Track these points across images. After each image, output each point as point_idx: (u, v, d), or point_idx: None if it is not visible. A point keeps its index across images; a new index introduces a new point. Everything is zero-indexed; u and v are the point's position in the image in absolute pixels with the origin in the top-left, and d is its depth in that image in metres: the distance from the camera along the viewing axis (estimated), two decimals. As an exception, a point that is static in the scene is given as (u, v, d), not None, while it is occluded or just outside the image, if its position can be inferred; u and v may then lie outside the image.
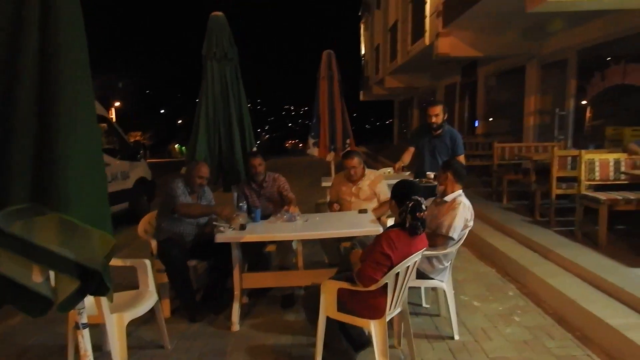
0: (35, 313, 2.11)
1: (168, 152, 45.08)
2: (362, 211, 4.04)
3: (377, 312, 2.60)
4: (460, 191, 3.32)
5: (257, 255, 4.23)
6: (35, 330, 3.58)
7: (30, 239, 1.90)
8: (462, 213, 3.14)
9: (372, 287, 2.49)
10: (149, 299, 3.10)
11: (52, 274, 2.09)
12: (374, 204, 4.29)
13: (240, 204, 3.91)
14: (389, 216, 4.41)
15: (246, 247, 3.75)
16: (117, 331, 2.75)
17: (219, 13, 4.89)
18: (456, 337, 3.25)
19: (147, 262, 3.27)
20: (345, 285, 2.62)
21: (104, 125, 7.93)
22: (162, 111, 62.08)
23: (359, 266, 2.56)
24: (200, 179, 3.92)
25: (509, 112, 10.35)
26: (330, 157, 6.97)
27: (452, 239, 3.12)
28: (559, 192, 5.18)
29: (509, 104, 10.35)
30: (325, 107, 6.83)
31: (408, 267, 2.57)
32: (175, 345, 3.36)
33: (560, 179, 5.16)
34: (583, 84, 6.70)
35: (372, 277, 2.45)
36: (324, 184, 6.30)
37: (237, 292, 3.67)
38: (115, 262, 3.27)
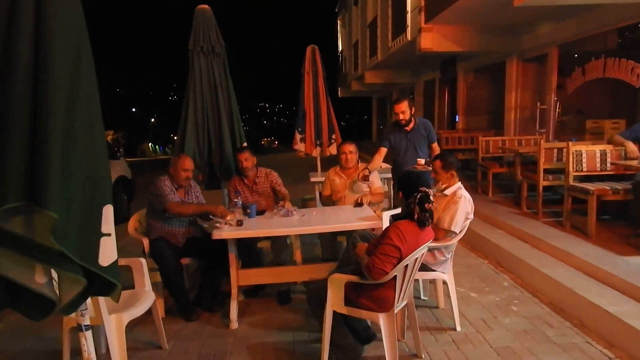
0: (37, 316, 2.01)
1: (141, 152, 44.16)
2: (358, 204, 4.01)
3: (385, 304, 2.58)
4: (460, 184, 3.33)
5: (249, 252, 4.15)
6: (23, 336, 3.42)
7: (31, 237, 1.80)
8: (463, 207, 3.15)
9: (382, 280, 2.46)
10: (146, 299, 3.00)
11: (55, 275, 1.99)
12: (367, 196, 4.28)
13: (236, 200, 3.83)
14: (383, 209, 4.42)
15: (240, 243, 3.67)
16: (116, 333, 2.65)
17: (206, 6, 4.77)
18: (458, 328, 3.26)
19: (143, 261, 3.17)
20: (353, 278, 2.58)
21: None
22: (133, 110, 60.91)
23: (367, 259, 2.52)
24: (186, 172, 3.83)
25: (489, 107, 10.54)
26: (316, 152, 6.92)
27: (454, 232, 3.13)
28: (546, 183, 5.27)
29: (489, 99, 10.53)
30: (310, 103, 6.76)
31: (416, 259, 2.55)
32: (172, 345, 3.26)
33: (547, 171, 5.26)
34: (564, 78, 6.84)
35: (382, 270, 2.42)
36: (313, 179, 6.27)
37: (234, 290, 3.59)
38: (108, 261, 3.17)
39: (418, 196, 2.49)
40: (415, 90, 14.64)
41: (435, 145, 4.56)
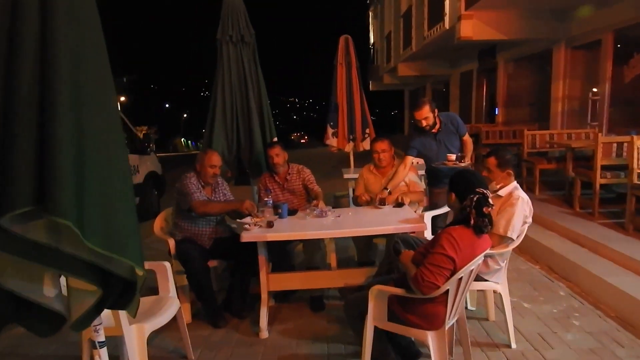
0: (45, 332, 1.80)
1: (173, 147, 44.86)
2: (398, 205, 3.69)
3: (435, 321, 2.26)
4: (516, 184, 2.96)
5: (280, 254, 3.90)
6: (43, 340, 3.27)
7: (40, 240, 1.57)
8: (520, 210, 2.78)
9: (432, 294, 2.14)
10: (170, 306, 2.77)
11: (64, 288, 1.77)
12: (407, 195, 3.94)
13: (267, 199, 3.57)
14: (425, 208, 4.09)
15: (270, 245, 3.42)
16: (137, 345, 2.43)
17: (235, -6, 4.52)
18: (513, 345, 2.91)
19: (168, 265, 2.95)
20: (398, 291, 2.27)
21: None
22: (167, 105, 62.01)
23: (414, 270, 2.21)
24: (213, 169, 3.60)
25: (530, 99, 9.96)
26: (349, 147, 6.60)
27: (510, 239, 2.76)
28: (603, 181, 4.80)
29: (531, 91, 9.95)
30: (343, 95, 6.44)
31: (471, 270, 2.23)
32: (199, 354, 3.04)
33: (604, 168, 4.79)
34: (619, 67, 6.29)
35: (433, 284, 2.11)
36: (346, 176, 5.98)
37: (264, 296, 3.34)
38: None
39: (475, 198, 2.16)
40: (450, 82, 14.10)
41: (466, 137, 4.14)
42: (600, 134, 4.75)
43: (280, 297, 3.80)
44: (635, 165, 4.18)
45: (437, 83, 16.21)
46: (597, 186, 4.79)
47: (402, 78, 15.46)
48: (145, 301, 2.82)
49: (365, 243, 3.86)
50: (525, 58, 9.41)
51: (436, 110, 3.94)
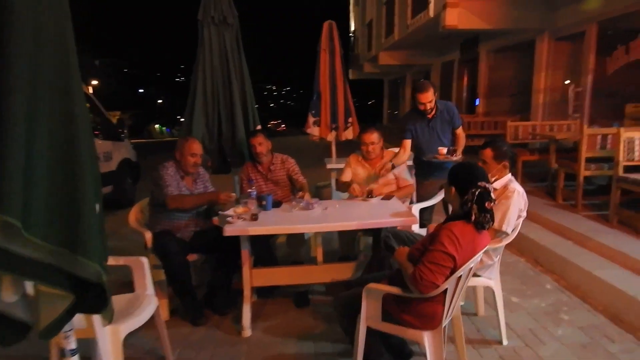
0: (7, 340, 1.61)
1: (148, 133, 43.86)
2: (386, 197, 3.57)
3: (432, 321, 2.15)
4: (511, 176, 2.87)
5: (263, 248, 3.74)
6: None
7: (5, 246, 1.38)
8: (516, 203, 2.69)
9: (432, 294, 2.03)
10: (148, 305, 2.59)
11: (29, 289, 1.58)
12: (392, 189, 3.83)
13: (250, 190, 3.39)
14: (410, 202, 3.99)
15: (253, 239, 3.25)
16: (111, 349, 2.25)
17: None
18: (505, 342, 2.84)
19: (144, 260, 2.75)
20: (394, 290, 2.15)
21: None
22: (140, 91, 60.54)
23: (411, 268, 2.09)
24: (194, 157, 3.41)
25: (511, 90, 9.97)
26: (331, 136, 6.43)
27: (504, 233, 2.68)
28: (588, 173, 4.79)
29: (512, 82, 9.96)
30: (326, 83, 6.24)
31: (470, 268, 2.12)
32: (178, 354, 2.88)
33: (588, 160, 4.78)
34: (602, 59, 6.29)
35: (433, 283, 1.99)
36: (329, 166, 5.83)
37: (247, 292, 3.19)
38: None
39: (476, 192, 2.04)
40: (431, 72, 14.05)
41: (459, 131, 4.03)
42: (585, 126, 4.72)
43: (263, 293, 3.65)
44: (621, 158, 4.16)
45: (417, 73, 16.14)
46: (581, 178, 4.78)
47: (383, 67, 15.34)
48: (120, 300, 2.63)
49: (350, 237, 3.73)
50: (508, 49, 9.39)
51: (437, 95, 3.85)
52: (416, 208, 3.71)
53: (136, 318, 2.44)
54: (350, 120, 6.36)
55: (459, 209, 2.14)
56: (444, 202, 3.83)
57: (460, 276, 2.06)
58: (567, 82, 7.48)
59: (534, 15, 7.31)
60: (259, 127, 4.47)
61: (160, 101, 59.86)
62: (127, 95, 52.07)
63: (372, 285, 2.21)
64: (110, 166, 6.97)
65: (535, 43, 7.90)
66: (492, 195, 2.08)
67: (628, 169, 4.25)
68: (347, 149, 8.26)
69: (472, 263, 2.08)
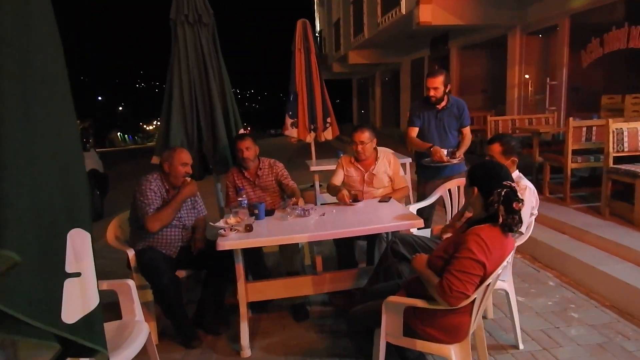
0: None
1: (110, 141, 42.55)
2: (384, 199, 3.40)
3: (458, 333, 2.00)
4: (518, 172, 2.75)
5: (255, 259, 3.51)
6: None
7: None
8: (527, 200, 2.57)
9: (462, 304, 1.87)
10: (139, 334, 2.32)
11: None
12: (388, 191, 3.65)
13: (241, 199, 3.16)
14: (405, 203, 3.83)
15: (245, 251, 3.01)
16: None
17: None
18: (521, 346, 2.71)
19: (132, 283, 2.49)
20: (418, 303, 1.98)
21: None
22: (99, 98, 58.69)
23: (435, 279, 1.92)
24: (185, 167, 3.13)
25: (483, 86, 10.06)
26: (310, 138, 6.23)
27: (519, 232, 2.55)
28: (575, 166, 4.78)
29: (483, 78, 10.04)
30: (303, 83, 6.03)
31: (499, 274, 1.97)
32: (173, 384, 2.62)
33: (575, 152, 4.77)
34: (575, 52, 6.35)
35: (463, 293, 1.83)
36: (313, 168, 5.63)
37: (243, 309, 2.95)
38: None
39: (503, 192, 1.89)
40: (401, 70, 14.07)
41: (466, 130, 3.92)
42: (571, 119, 4.70)
43: (257, 308, 3.41)
44: (611, 149, 4.14)
45: (387, 72, 16.16)
46: (569, 171, 4.76)
47: (353, 66, 15.28)
48: (108, 327, 2.34)
49: (348, 242, 3.54)
50: (478, 45, 9.45)
51: (449, 87, 3.73)
52: (413, 209, 3.54)
53: (126, 350, 2.17)
54: (329, 120, 6.17)
55: (483, 211, 1.98)
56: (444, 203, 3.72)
57: (489, 284, 1.91)
58: (525, 76, 7.55)
59: (505, 11, 7.35)
60: (241, 130, 4.22)
61: (120, 108, 58.17)
62: (86, 103, 50.37)
63: (392, 298, 2.03)
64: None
65: (507, 38, 7.95)
66: (520, 195, 1.93)
67: (617, 160, 4.24)
68: (326, 150, 8.11)
69: (500, 269, 1.93)
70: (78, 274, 1.46)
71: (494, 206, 1.90)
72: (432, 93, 3.70)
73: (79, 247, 1.46)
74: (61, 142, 1.36)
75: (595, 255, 3.60)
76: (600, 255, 3.58)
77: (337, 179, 3.72)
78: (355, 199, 3.36)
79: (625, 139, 4.15)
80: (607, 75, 6.45)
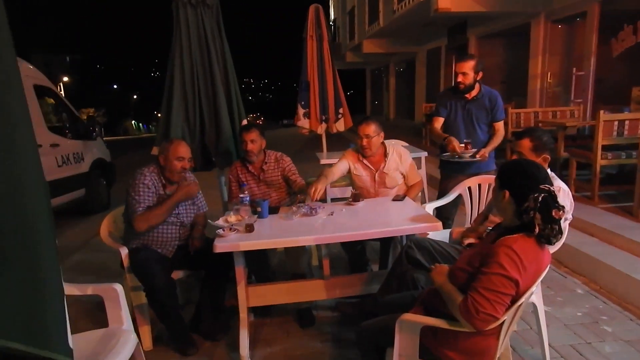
0: None
1: (124, 130, 42.81)
2: (398, 198, 3.13)
3: (484, 358, 1.73)
4: (550, 171, 2.45)
5: (259, 260, 3.27)
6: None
7: None
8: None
9: (489, 327, 1.60)
10: (125, 344, 2.09)
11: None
12: (403, 190, 3.37)
13: (242, 196, 2.92)
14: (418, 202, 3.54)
15: (247, 251, 2.76)
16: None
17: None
18: (549, 364, 2.45)
19: (119, 288, 2.26)
20: (436, 323, 1.72)
21: (51, 100, 6.63)
22: (114, 86, 58.93)
23: (459, 296, 1.66)
24: (181, 162, 2.88)
25: (502, 76, 9.66)
26: (321, 129, 5.96)
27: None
28: (604, 162, 4.45)
29: (503, 68, 9.64)
30: (314, 72, 5.75)
31: (532, 292, 1.69)
32: (165, 397, 2.41)
33: (604, 148, 4.44)
34: (606, 40, 5.96)
35: (492, 316, 1.56)
36: (323, 161, 5.37)
37: (243, 314, 2.72)
38: (69, 289, 2.27)
39: (540, 198, 1.61)
40: (416, 60, 13.68)
41: (499, 125, 3.59)
42: (601, 112, 4.36)
43: (261, 312, 3.18)
44: (646, 146, 3.81)
45: (401, 62, 15.76)
46: (598, 168, 4.44)
47: (367, 56, 14.90)
48: (89, 338, 2.14)
49: (359, 243, 3.27)
50: (498, 34, 9.05)
51: (480, 74, 3.43)
52: (430, 208, 3.26)
53: (111, 362, 1.95)
54: (341, 111, 5.89)
55: (515, 218, 1.70)
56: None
57: (520, 304, 1.64)
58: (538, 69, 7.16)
59: (532, -4, 6.95)
60: (245, 121, 3.97)
61: (135, 97, 58.36)
62: (101, 91, 50.62)
63: (408, 316, 1.77)
64: (82, 168, 6.38)
65: (530, 27, 7.55)
66: (561, 201, 1.65)
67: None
68: (339, 141, 7.84)
69: (534, 287, 1.65)
70: None
71: (529, 214, 1.62)
72: (460, 79, 3.41)
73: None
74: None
75: (629, 260, 3.30)
76: (635, 262, 3.27)
77: (336, 170, 3.33)
78: (356, 199, 3.09)
79: (663, 135, 3.80)
80: (638, 66, 6.05)
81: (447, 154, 3.48)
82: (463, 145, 3.42)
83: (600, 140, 4.36)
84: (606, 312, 2.99)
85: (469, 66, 3.40)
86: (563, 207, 1.64)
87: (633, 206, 3.99)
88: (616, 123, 4.40)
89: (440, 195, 3.62)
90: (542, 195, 1.62)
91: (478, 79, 3.49)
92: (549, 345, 2.57)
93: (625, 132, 4.43)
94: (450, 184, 3.51)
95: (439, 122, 3.67)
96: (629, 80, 5.96)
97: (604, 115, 4.33)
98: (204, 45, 3.74)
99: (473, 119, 3.57)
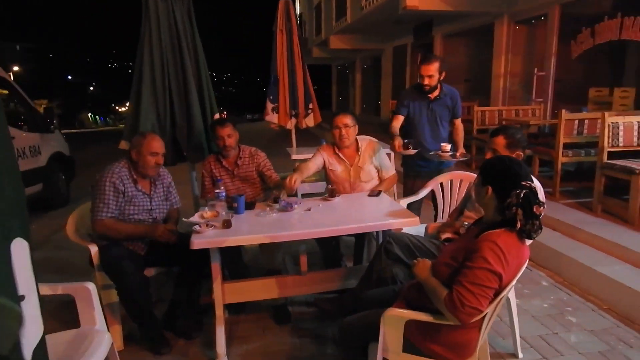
0: None
1: (80, 122, 41.15)
2: (373, 193, 3.15)
3: (466, 351, 1.77)
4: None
5: (233, 256, 3.21)
6: None
7: None
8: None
9: (473, 320, 1.64)
10: (98, 346, 2.01)
11: None
12: (376, 183, 3.40)
13: (218, 191, 2.87)
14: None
15: (223, 248, 2.72)
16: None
17: None
18: (520, 355, 2.53)
19: (91, 286, 2.17)
20: (422, 317, 1.74)
21: (4, 90, 6.28)
22: (69, 77, 56.60)
23: (443, 291, 1.68)
24: (155, 157, 2.80)
25: (466, 75, 9.89)
26: (291, 124, 5.93)
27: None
28: (565, 160, 4.64)
29: (467, 66, 9.88)
30: (284, 66, 5.72)
31: (513, 286, 1.74)
32: (139, 398, 2.34)
33: (565, 146, 4.62)
34: (566, 42, 6.20)
35: (476, 309, 1.60)
36: (294, 157, 5.35)
37: (219, 312, 2.67)
38: (39, 288, 2.16)
39: (522, 194, 1.66)
40: (382, 57, 13.81)
41: (458, 121, 3.71)
42: (564, 111, 4.54)
43: (235, 308, 3.14)
44: (606, 144, 3.99)
45: (367, 58, 15.87)
46: (559, 165, 4.62)
47: (333, 51, 14.93)
48: (60, 340, 2.04)
49: (334, 239, 3.28)
50: (463, 33, 9.26)
51: (444, 74, 3.45)
52: (404, 203, 3.30)
53: (85, 366, 1.88)
54: (310, 106, 5.88)
55: (497, 214, 1.75)
56: (433, 197, 3.50)
57: (502, 297, 1.69)
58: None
59: (497, -2, 7.14)
60: (217, 115, 3.90)
61: (92, 88, 56.29)
62: (54, 82, 48.50)
63: (392, 311, 1.79)
64: (39, 161, 6.09)
65: (494, 27, 7.76)
66: (541, 197, 1.71)
67: (609, 155, 4.09)
68: (308, 137, 7.83)
69: (515, 281, 1.70)
70: (22, 298, 1.17)
71: (512, 209, 1.67)
72: (426, 82, 3.44)
73: (21, 262, 1.18)
74: None
75: (591, 254, 3.46)
76: (596, 255, 3.43)
77: (312, 164, 3.34)
78: (332, 194, 3.10)
79: (621, 134, 4.00)
80: (594, 68, 6.34)
81: (432, 153, 3.53)
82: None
83: (562, 139, 4.54)
84: (571, 304, 3.13)
85: (434, 68, 3.43)
86: (543, 203, 1.69)
87: (593, 202, 4.18)
88: (576, 122, 4.60)
89: (405, 193, 3.67)
90: (524, 191, 1.66)
91: (441, 79, 3.55)
92: (520, 336, 2.67)
93: (585, 131, 4.63)
94: (417, 182, 3.60)
95: (398, 120, 3.66)
96: (586, 81, 6.23)
97: (565, 114, 4.51)
98: (175, 37, 3.63)
99: (437, 117, 3.63)
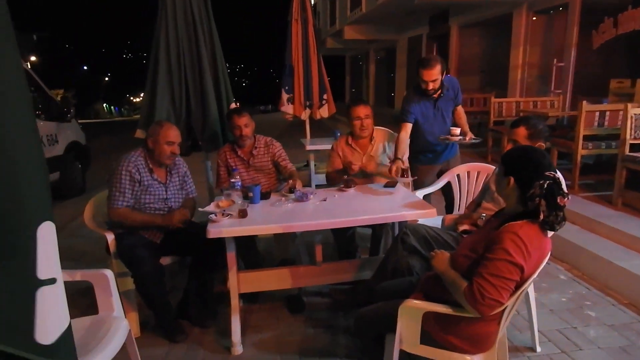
0: None
1: (95, 113, 41.61)
2: (390, 184, 3.12)
3: (485, 343, 1.75)
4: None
5: (247, 246, 3.22)
6: None
7: None
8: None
9: (493, 312, 1.61)
10: (116, 332, 2.03)
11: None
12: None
13: (234, 180, 2.86)
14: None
15: (237, 237, 2.71)
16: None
17: None
18: (538, 349, 2.50)
19: (109, 274, 2.19)
20: (441, 309, 1.72)
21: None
22: (84, 68, 57.06)
23: (463, 282, 1.66)
24: (171, 146, 2.81)
25: (482, 66, 9.76)
26: (305, 115, 5.90)
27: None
28: (585, 152, 4.55)
29: (483, 57, 9.73)
30: (299, 56, 5.67)
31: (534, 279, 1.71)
32: (155, 385, 2.36)
33: (585, 138, 4.53)
34: (587, 32, 6.05)
35: (497, 301, 1.57)
36: (309, 147, 5.33)
37: (234, 301, 2.67)
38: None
39: (545, 185, 1.62)
40: (397, 48, 13.66)
41: (460, 108, 3.63)
42: (584, 102, 4.44)
43: (249, 298, 3.15)
44: (628, 136, 3.90)
45: (381, 49, 15.73)
46: (579, 158, 4.53)
47: (347, 42, 14.81)
48: (78, 326, 2.06)
49: (350, 230, 3.26)
50: (480, 23, 9.10)
51: (445, 73, 3.37)
52: (420, 194, 3.26)
53: (102, 352, 1.89)
54: (325, 97, 5.84)
55: (519, 205, 1.71)
56: (443, 189, 3.46)
57: (523, 289, 1.65)
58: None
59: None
60: (233, 104, 3.89)
61: (106, 79, 56.73)
62: (70, 72, 48.95)
63: (411, 302, 1.77)
64: (56, 150, 6.16)
65: (512, 17, 7.61)
66: (565, 188, 1.66)
67: (631, 148, 4.00)
68: (322, 127, 7.79)
69: (536, 274, 1.67)
70: (53, 280, 1.18)
71: (534, 200, 1.63)
72: (431, 87, 3.29)
73: (49, 244, 1.19)
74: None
75: (610, 248, 3.39)
76: (616, 249, 3.36)
77: (334, 166, 3.44)
78: (348, 185, 3.07)
79: (644, 126, 3.90)
80: (616, 58, 6.19)
81: (442, 137, 3.46)
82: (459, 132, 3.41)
83: (582, 131, 4.44)
84: (589, 298, 3.07)
85: (437, 71, 3.28)
86: (567, 194, 1.65)
87: (612, 195, 4.10)
88: (597, 114, 4.49)
89: (415, 186, 3.61)
90: (548, 182, 1.62)
91: (443, 78, 3.40)
92: (538, 330, 2.63)
93: (606, 123, 4.53)
94: (429, 174, 3.57)
95: (407, 130, 3.42)
96: (607, 72, 6.09)
97: (586, 105, 4.41)
98: (191, 25, 3.62)
99: (444, 113, 3.53)
